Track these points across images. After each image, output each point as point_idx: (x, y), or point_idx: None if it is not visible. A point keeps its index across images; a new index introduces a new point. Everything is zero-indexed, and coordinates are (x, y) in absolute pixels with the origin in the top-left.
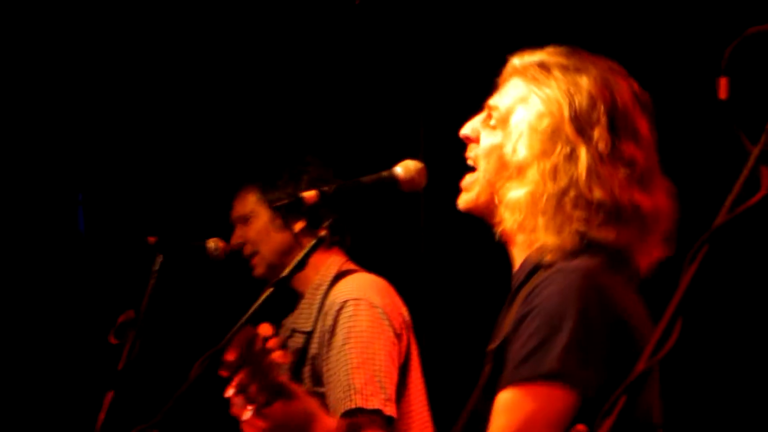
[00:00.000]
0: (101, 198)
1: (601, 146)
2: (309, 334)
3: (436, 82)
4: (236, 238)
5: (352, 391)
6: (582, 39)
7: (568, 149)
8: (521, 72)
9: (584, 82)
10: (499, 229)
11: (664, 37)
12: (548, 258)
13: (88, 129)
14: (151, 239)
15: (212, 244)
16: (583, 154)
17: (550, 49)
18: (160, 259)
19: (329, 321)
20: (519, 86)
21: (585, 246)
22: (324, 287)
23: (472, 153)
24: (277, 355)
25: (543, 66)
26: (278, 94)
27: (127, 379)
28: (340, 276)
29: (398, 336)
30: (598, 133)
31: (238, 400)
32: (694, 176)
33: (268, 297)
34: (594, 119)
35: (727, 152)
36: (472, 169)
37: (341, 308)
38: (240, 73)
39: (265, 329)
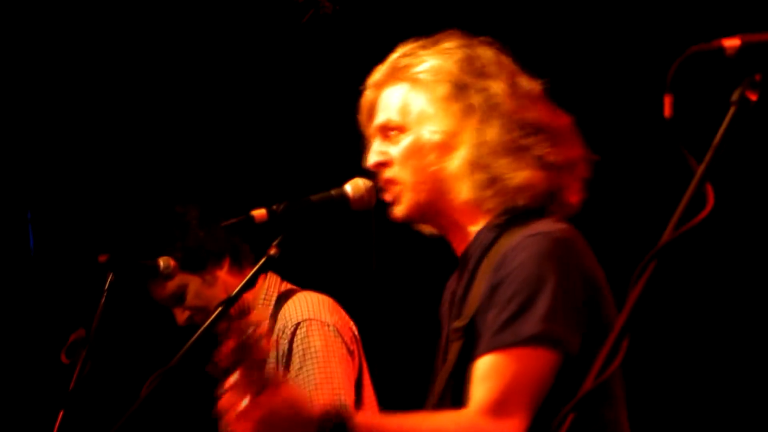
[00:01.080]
0: (51, 216)
1: (505, 83)
2: None
3: None
4: (181, 316)
5: None
6: (526, 53)
7: (481, 94)
8: (384, 83)
9: (449, 44)
10: (443, 220)
11: (609, 55)
12: (521, 202)
13: (36, 147)
14: (102, 258)
15: (163, 262)
16: (497, 87)
17: (391, 55)
18: (110, 277)
19: (284, 345)
20: (393, 91)
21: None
22: (269, 311)
23: (390, 173)
24: (266, 344)
25: (400, 61)
26: (226, 110)
27: (79, 397)
28: (282, 298)
29: (351, 352)
30: (494, 72)
31: (230, 396)
32: (639, 194)
33: (218, 315)
34: (481, 65)
35: (673, 170)
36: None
37: (295, 330)
38: (186, 88)
39: (258, 318)
